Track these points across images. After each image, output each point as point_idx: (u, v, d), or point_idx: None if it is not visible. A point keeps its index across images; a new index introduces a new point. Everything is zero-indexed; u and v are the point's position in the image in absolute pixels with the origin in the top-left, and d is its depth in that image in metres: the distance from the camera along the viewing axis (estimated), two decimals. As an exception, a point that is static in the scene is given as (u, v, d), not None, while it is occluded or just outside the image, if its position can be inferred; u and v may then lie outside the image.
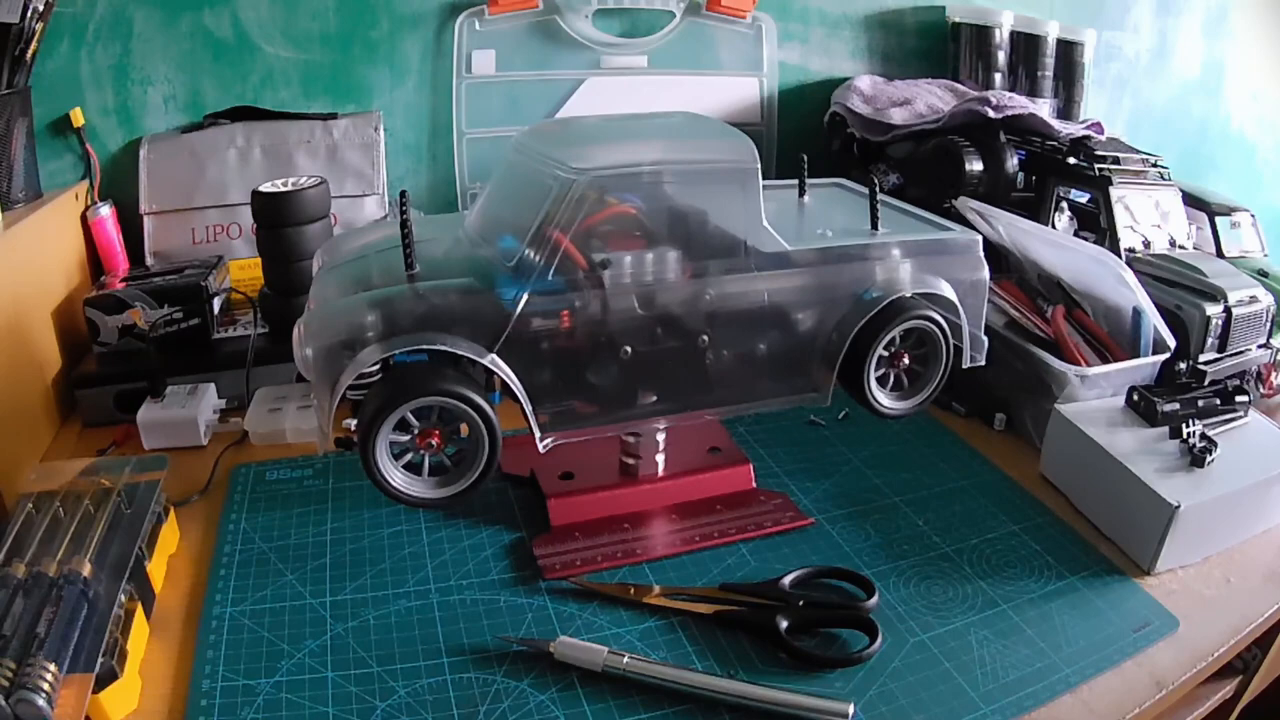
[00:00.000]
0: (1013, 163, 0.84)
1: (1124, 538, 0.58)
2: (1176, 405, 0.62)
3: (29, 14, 0.75)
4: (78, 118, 0.87)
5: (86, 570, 0.45)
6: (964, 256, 0.56)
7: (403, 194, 0.49)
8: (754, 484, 0.61)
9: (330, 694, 0.45)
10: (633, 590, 0.52)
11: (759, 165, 0.50)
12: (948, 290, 0.55)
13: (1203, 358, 0.69)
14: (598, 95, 1.00)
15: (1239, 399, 0.63)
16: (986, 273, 0.57)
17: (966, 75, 1.10)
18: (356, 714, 0.44)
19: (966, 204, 0.78)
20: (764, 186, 0.50)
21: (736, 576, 0.54)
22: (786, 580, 0.52)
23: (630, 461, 0.58)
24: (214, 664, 0.47)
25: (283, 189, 0.73)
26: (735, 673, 0.46)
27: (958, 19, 1.11)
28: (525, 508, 0.60)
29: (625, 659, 0.45)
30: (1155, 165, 0.83)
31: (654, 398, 0.52)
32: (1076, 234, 0.84)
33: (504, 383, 0.47)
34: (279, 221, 0.73)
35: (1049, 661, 0.48)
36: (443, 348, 0.45)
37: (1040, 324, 0.71)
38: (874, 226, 0.55)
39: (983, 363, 0.58)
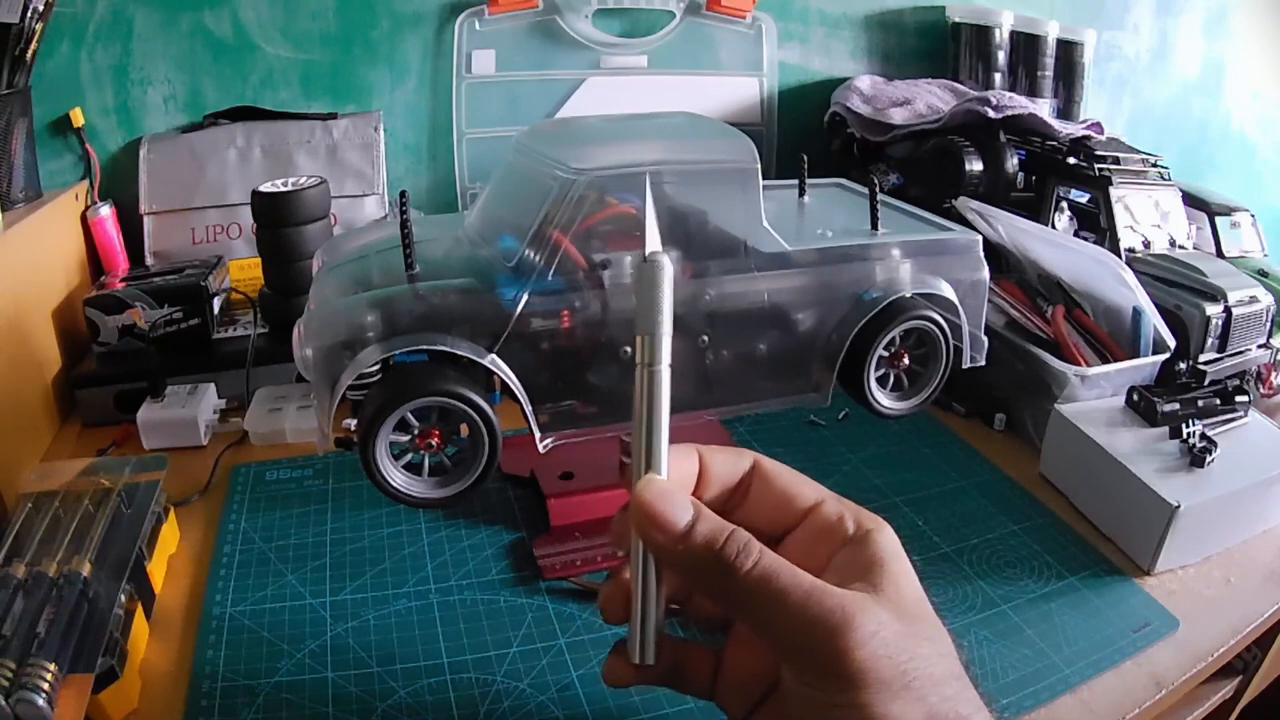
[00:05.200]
0: (1013, 163, 0.84)
1: (1124, 538, 0.58)
2: (1176, 405, 0.62)
3: (29, 14, 0.74)
4: (78, 118, 0.87)
5: (86, 570, 0.45)
6: (964, 256, 0.56)
7: (403, 194, 0.49)
8: (754, 484, 0.61)
9: (330, 694, 0.45)
10: (633, 590, 0.52)
11: (759, 165, 0.50)
12: (948, 290, 0.55)
13: (1203, 358, 0.69)
14: (598, 95, 1.00)
15: (1239, 399, 0.63)
16: (986, 273, 0.57)
17: (966, 75, 1.10)
18: (356, 714, 0.44)
19: (966, 204, 0.78)
20: (764, 186, 0.50)
21: (736, 576, 0.54)
22: (786, 580, 0.52)
23: (630, 461, 0.58)
24: (214, 664, 0.47)
25: (283, 189, 0.73)
26: None
27: (958, 19, 1.11)
28: (525, 508, 0.60)
29: None
30: (1155, 165, 0.83)
31: (654, 398, 0.52)
32: (1076, 234, 0.84)
33: (504, 383, 0.47)
34: (279, 221, 0.73)
35: (1049, 661, 0.48)
36: (443, 348, 0.45)
37: (1040, 324, 0.71)
38: (874, 226, 0.55)
39: (983, 363, 0.58)
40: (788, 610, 0.31)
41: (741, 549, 0.33)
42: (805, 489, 0.38)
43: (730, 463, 0.38)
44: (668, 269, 0.35)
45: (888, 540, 0.35)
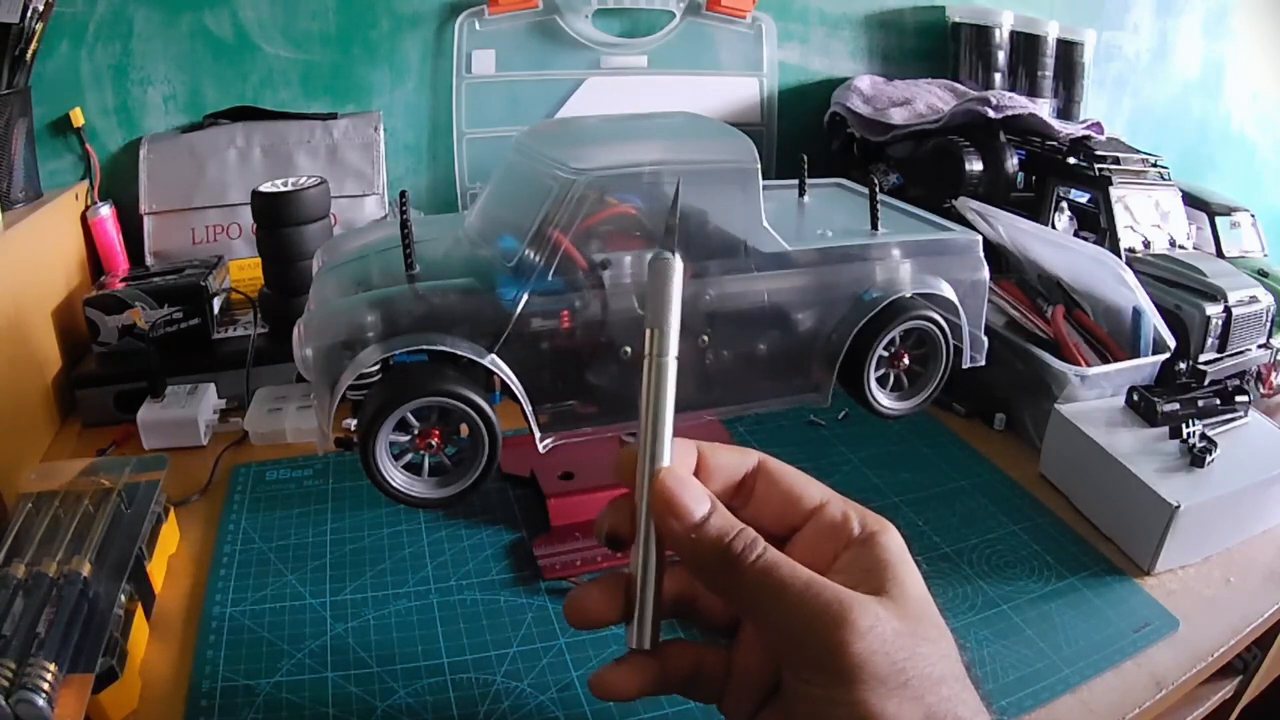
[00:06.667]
0: (1013, 163, 0.84)
1: (1124, 538, 0.58)
2: (1176, 405, 0.62)
3: (29, 14, 0.75)
4: (78, 118, 0.87)
5: (86, 570, 0.45)
6: (964, 256, 0.56)
7: (403, 194, 0.49)
8: (754, 484, 0.61)
9: (330, 694, 0.45)
10: (633, 590, 0.52)
11: (759, 165, 0.50)
12: (948, 290, 0.55)
13: (1203, 358, 0.69)
14: (598, 95, 1.00)
15: (1239, 399, 0.63)
16: (986, 273, 0.57)
17: (966, 75, 1.10)
18: (356, 714, 0.44)
19: (966, 204, 0.78)
20: (764, 186, 0.50)
21: (736, 576, 0.54)
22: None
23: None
24: (214, 664, 0.47)
25: (283, 189, 0.73)
26: None
27: (958, 19, 1.11)
28: (525, 508, 0.60)
29: None
30: (1155, 165, 0.83)
31: (654, 398, 0.52)
32: (1076, 234, 0.84)
33: (504, 383, 0.47)
34: (279, 221, 0.73)
35: (1049, 661, 0.48)
36: (443, 348, 0.45)
37: (1040, 324, 0.71)
38: (874, 226, 0.55)
39: (983, 363, 0.58)
40: (787, 602, 0.32)
41: (748, 544, 0.33)
42: (811, 489, 0.38)
43: (734, 460, 0.38)
44: (677, 266, 0.36)
45: (892, 542, 0.35)
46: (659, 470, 0.35)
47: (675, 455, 0.36)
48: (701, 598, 0.38)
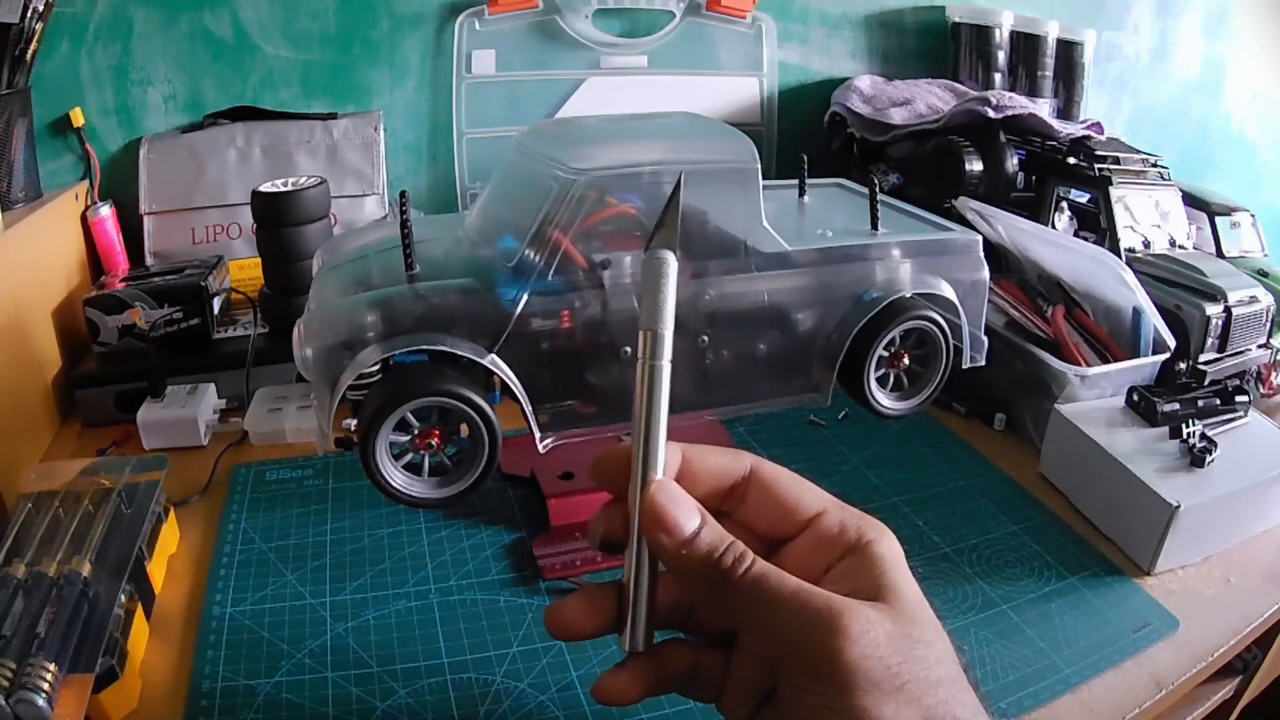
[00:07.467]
0: (1013, 163, 0.84)
1: (1124, 538, 0.58)
2: (1176, 405, 0.62)
3: (29, 14, 0.74)
4: (78, 118, 0.87)
5: (86, 570, 0.45)
6: (964, 256, 0.56)
7: (403, 194, 0.49)
8: (754, 484, 0.61)
9: (330, 694, 0.45)
10: (633, 590, 0.52)
11: (759, 165, 0.50)
12: (948, 290, 0.55)
13: (1203, 358, 0.69)
14: (598, 95, 1.00)
15: (1239, 399, 0.63)
16: (986, 273, 0.57)
17: (966, 75, 1.10)
18: (356, 714, 0.44)
19: (966, 204, 0.78)
20: (764, 186, 0.50)
21: (736, 576, 0.54)
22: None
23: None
24: (214, 664, 0.47)
25: (283, 189, 0.73)
26: None
27: (958, 19, 1.11)
28: (525, 508, 0.60)
29: None
30: (1155, 165, 0.83)
31: (654, 398, 0.51)
32: (1076, 234, 0.84)
33: (504, 383, 0.47)
34: (279, 221, 0.73)
35: (1049, 661, 0.48)
36: (443, 348, 0.45)
37: (1040, 324, 0.71)
38: (874, 227, 0.55)
39: (983, 363, 0.58)
40: (778, 612, 0.32)
41: (737, 557, 0.33)
42: (808, 496, 0.37)
43: (723, 465, 0.38)
44: (672, 264, 0.35)
45: (887, 548, 0.35)
46: (650, 483, 0.34)
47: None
48: (698, 606, 0.38)
